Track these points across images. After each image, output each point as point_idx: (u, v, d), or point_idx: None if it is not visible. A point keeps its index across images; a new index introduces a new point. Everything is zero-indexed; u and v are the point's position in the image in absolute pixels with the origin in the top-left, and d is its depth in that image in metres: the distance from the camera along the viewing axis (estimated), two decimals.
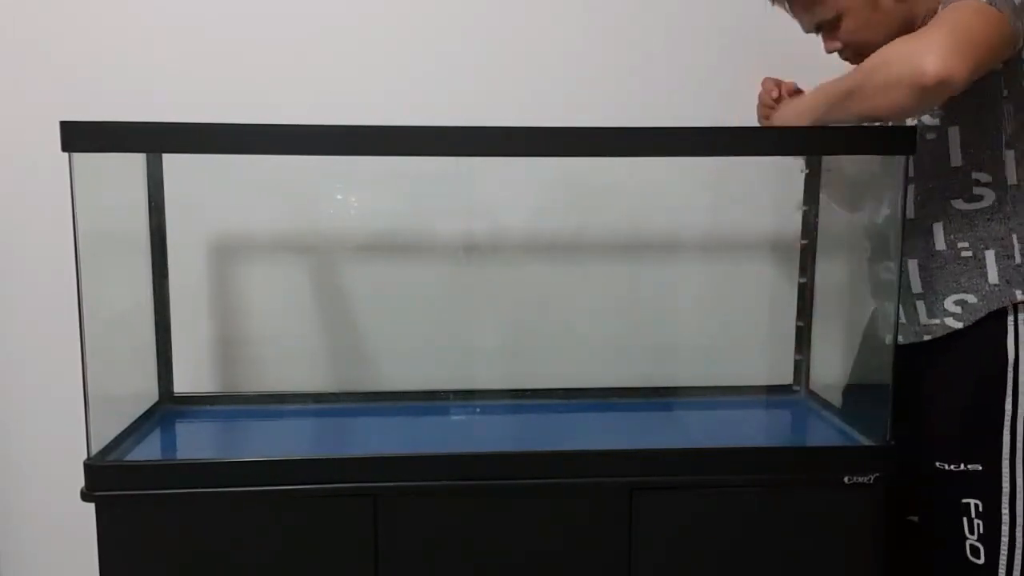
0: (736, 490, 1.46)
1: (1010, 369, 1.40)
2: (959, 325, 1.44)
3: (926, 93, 1.26)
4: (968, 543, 1.45)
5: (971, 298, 1.43)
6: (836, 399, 1.76)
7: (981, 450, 1.43)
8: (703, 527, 1.46)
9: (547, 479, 1.44)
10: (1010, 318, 1.41)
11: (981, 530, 1.44)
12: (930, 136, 1.46)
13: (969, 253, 1.43)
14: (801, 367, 1.85)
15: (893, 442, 1.47)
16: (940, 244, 1.46)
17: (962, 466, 1.44)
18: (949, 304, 1.45)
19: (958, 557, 1.47)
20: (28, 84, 1.82)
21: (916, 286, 1.50)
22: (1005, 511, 1.42)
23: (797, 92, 1.70)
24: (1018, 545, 1.43)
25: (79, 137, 1.32)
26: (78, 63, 1.82)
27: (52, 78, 1.82)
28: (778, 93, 1.66)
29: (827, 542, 1.47)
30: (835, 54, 1.56)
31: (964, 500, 1.45)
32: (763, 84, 1.68)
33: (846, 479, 1.44)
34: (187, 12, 1.83)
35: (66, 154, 1.33)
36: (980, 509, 1.44)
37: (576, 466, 1.45)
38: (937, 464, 1.46)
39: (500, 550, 1.44)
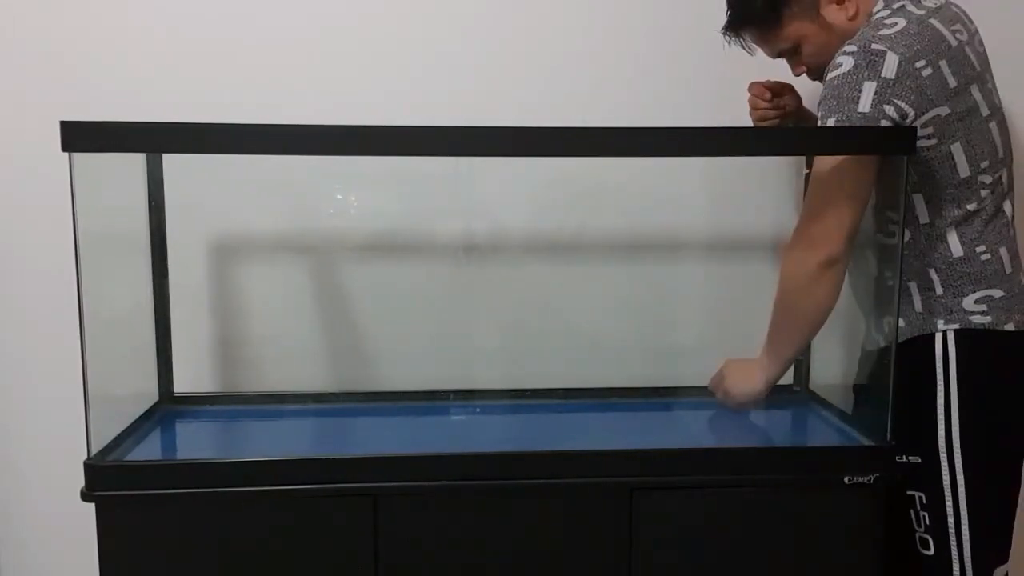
0: (736, 490, 1.46)
1: (939, 365, 1.48)
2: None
3: (825, 277, 1.45)
4: (917, 535, 1.51)
5: (901, 322, 1.52)
6: (836, 399, 1.76)
7: (918, 442, 1.48)
8: (703, 527, 1.46)
9: (547, 479, 1.44)
10: (937, 335, 1.49)
11: (927, 521, 1.49)
12: None
13: (894, 283, 1.51)
14: (801, 367, 1.85)
15: (894, 442, 1.47)
16: (874, 272, 1.60)
17: (904, 458, 1.49)
18: (886, 324, 1.55)
19: (909, 549, 1.52)
20: (28, 84, 1.82)
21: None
22: (948, 502, 1.47)
23: (790, 91, 1.71)
24: (965, 535, 1.47)
25: (79, 137, 1.32)
26: (78, 63, 1.82)
27: (52, 78, 1.82)
28: (771, 95, 1.68)
29: (827, 542, 1.47)
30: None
31: (909, 492, 1.50)
32: (751, 89, 1.70)
33: (846, 479, 1.44)
34: (187, 12, 1.83)
35: (66, 154, 1.33)
36: (924, 501, 1.49)
37: (576, 466, 1.45)
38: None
39: (500, 550, 1.44)
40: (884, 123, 1.40)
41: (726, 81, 1.76)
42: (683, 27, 1.88)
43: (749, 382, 1.61)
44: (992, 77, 1.52)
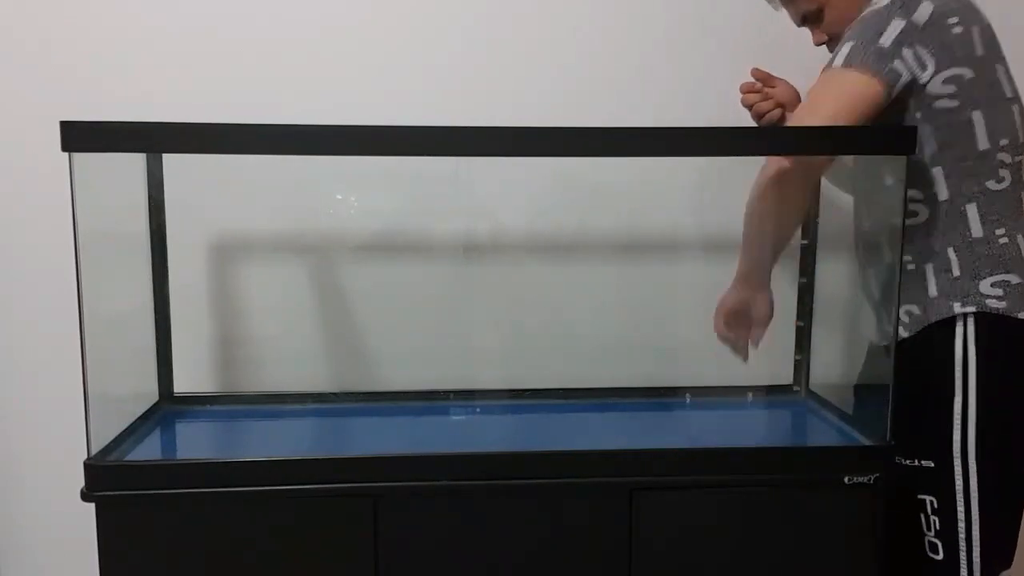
0: (736, 490, 1.46)
1: (958, 369, 1.45)
2: (906, 334, 1.50)
3: (772, 190, 1.48)
4: (927, 539, 1.49)
5: (915, 309, 1.49)
6: (836, 399, 1.76)
7: (932, 447, 1.47)
8: (703, 527, 1.46)
9: (547, 479, 1.44)
10: (958, 325, 1.45)
11: (937, 526, 1.48)
12: None
13: (912, 266, 1.49)
14: (801, 367, 1.85)
15: (893, 442, 1.47)
16: (887, 258, 1.55)
17: (916, 462, 1.48)
18: (901, 314, 1.51)
19: (918, 553, 1.50)
20: (28, 84, 1.82)
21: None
22: (960, 507, 1.45)
23: (782, 83, 1.70)
24: (975, 541, 1.45)
25: (79, 137, 1.32)
26: (78, 63, 1.82)
27: (52, 78, 1.82)
28: (761, 84, 1.69)
29: (827, 542, 1.47)
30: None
31: (920, 496, 1.49)
32: (741, 88, 1.70)
33: (846, 479, 1.44)
34: (187, 12, 1.83)
35: (66, 154, 1.33)
36: (935, 505, 1.48)
37: (576, 466, 1.45)
38: (896, 458, 1.49)
39: (500, 550, 1.44)
40: (898, 64, 1.39)
41: (726, 80, 1.76)
42: (684, 27, 1.88)
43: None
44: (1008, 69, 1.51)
